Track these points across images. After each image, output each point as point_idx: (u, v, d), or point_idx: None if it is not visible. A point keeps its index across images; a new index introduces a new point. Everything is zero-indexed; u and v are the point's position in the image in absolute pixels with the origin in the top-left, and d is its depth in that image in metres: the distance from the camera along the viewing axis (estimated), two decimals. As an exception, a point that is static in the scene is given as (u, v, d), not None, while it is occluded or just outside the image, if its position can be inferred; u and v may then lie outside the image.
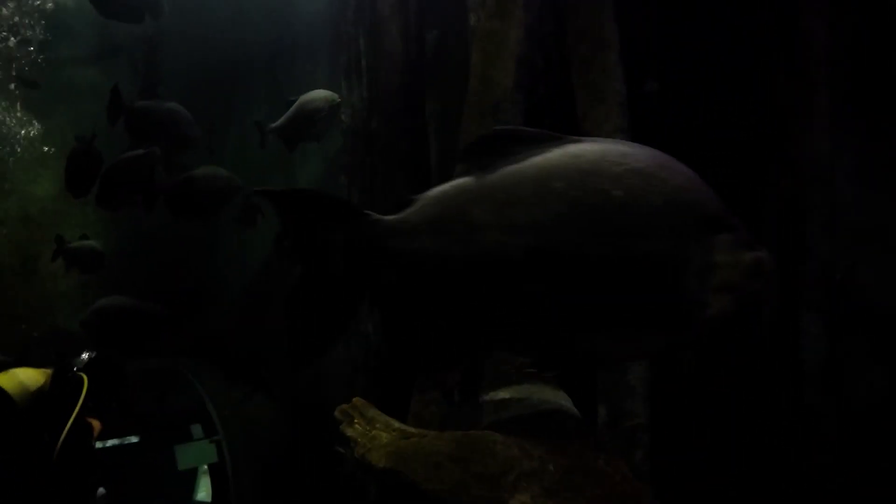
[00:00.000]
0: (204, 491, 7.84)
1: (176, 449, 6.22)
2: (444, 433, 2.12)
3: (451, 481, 1.87)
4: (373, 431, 2.23)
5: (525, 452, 1.93)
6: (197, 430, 6.29)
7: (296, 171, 6.62)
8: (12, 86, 4.78)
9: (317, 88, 4.74)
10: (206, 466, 6.80)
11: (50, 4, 5.77)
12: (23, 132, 5.89)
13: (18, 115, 5.83)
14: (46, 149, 5.94)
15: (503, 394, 2.62)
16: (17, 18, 5.37)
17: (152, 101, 4.27)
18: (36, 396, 2.47)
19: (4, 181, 5.74)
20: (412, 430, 2.17)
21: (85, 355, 2.81)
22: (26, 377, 2.50)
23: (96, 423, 2.65)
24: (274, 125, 4.27)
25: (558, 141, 1.36)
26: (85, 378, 2.62)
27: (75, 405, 2.48)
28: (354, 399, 2.54)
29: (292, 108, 4.28)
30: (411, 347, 1.80)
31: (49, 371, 2.58)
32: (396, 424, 2.24)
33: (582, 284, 1.26)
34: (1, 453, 2.34)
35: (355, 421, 2.38)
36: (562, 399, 2.57)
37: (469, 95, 2.63)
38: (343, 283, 1.54)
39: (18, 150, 5.88)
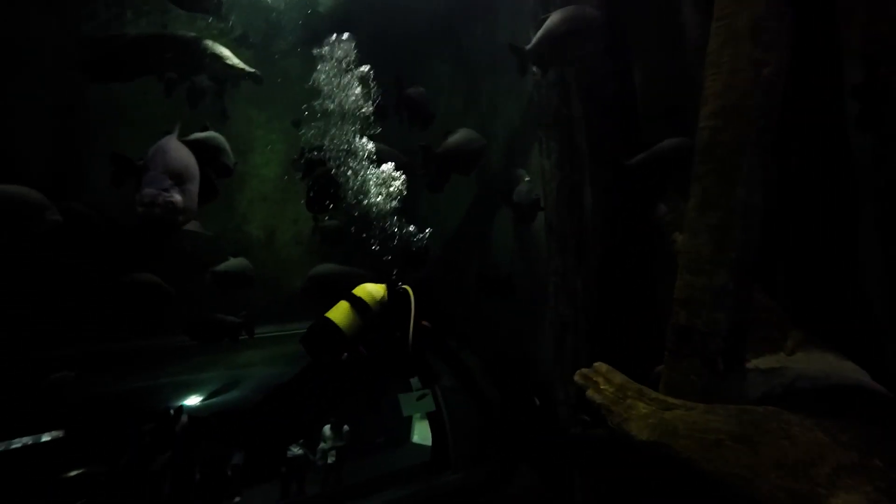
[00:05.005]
0: (418, 434, 8.71)
1: (400, 398, 6.91)
2: (714, 406, 1.88)
3: (738, 464, 1.65)
4: (627, 400, 2.09)
5: (832, 438, 1.62)
6: (415, 381, 6.88)
7: (489, 123, 6.58)
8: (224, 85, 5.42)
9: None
10: (420, 414, 7.49)
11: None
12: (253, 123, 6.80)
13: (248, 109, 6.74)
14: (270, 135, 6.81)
15: (772, 361, 2.28)
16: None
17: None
18: (381, 303, 3.09)
19: (247, 166, 6.70)
20: (674, 400, 1.97)
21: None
22: (373, 289, 3.16)
23: (426, 325, 3.24)
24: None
25: None
26: (410, 291, 3.21)
27: (408, 311, 3.08)
28: (596, 364, 2.41)
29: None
30: None
31: (384, 286, 3.20)
32: (653, 394, 2.06)
33: None
34: (368, 344, 2.98)
35: (602, 387, 2.26)
36: (854, 371, 2.14)
37: (715, 18, 2.22)
38: None
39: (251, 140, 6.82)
